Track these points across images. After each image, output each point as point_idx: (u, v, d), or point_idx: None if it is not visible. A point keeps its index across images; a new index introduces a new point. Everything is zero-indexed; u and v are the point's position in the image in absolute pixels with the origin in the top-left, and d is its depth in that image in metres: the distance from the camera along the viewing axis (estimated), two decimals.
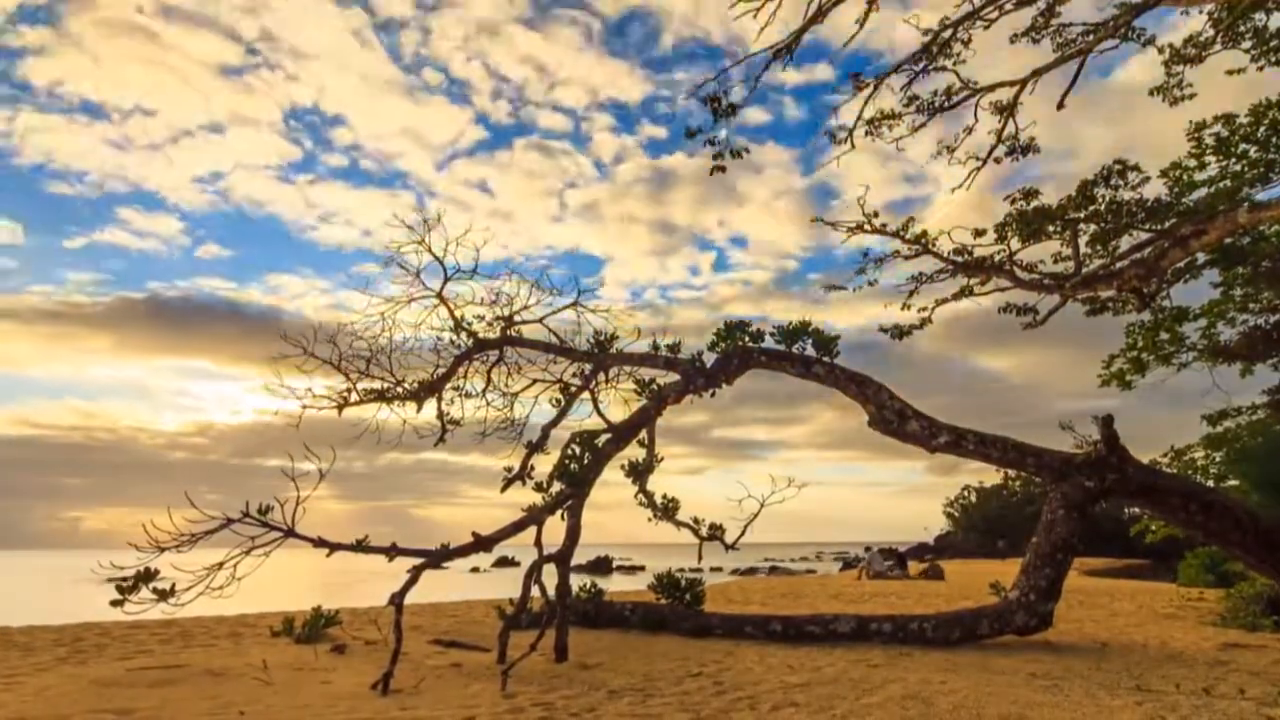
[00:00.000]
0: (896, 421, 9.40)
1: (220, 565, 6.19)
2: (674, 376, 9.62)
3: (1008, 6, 10.45)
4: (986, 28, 10.68)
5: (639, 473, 9.72)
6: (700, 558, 10.13)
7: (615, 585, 25.47)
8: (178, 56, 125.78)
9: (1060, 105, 11.28)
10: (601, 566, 43.28)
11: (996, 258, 11.84)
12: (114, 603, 5.80)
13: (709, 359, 9.67)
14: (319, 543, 6.57)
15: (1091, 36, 10.55)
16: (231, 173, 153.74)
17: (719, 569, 41.65)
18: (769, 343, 9.83)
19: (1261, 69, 10.50)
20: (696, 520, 9.68)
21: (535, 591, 7.68)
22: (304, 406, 8.58)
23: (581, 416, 9.78)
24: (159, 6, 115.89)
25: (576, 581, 9.41)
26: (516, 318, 9.74)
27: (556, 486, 8.78)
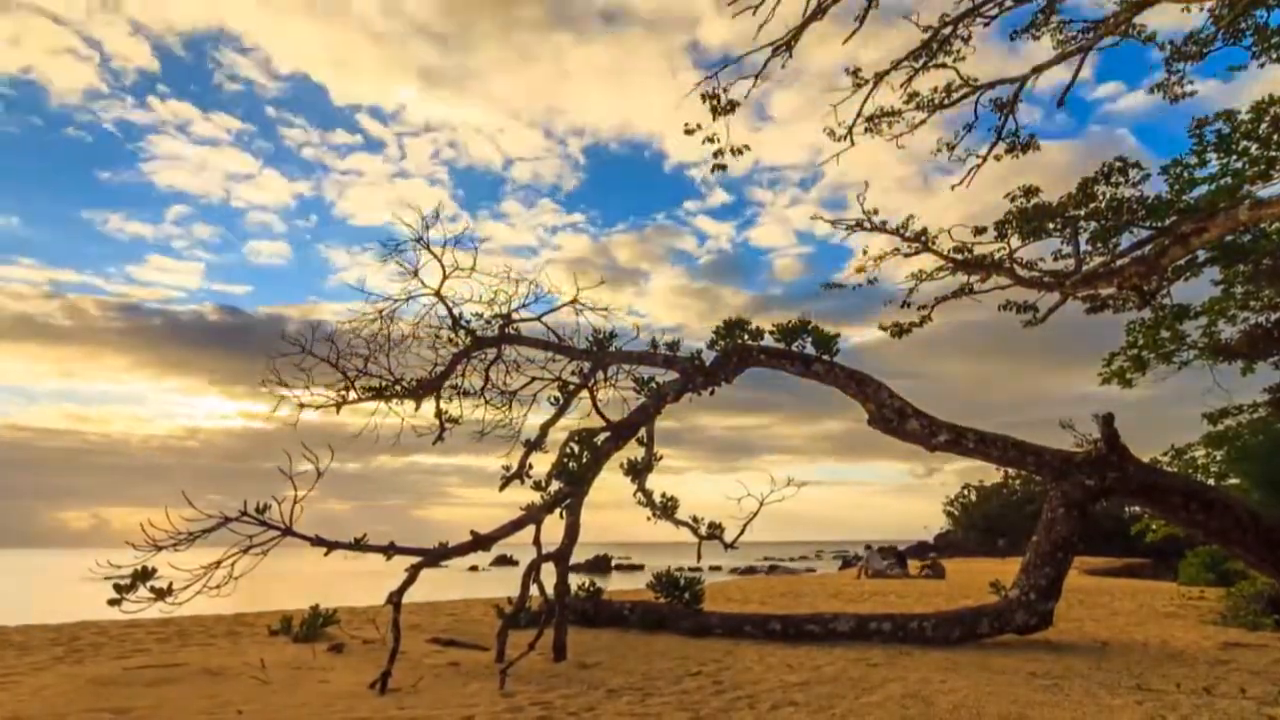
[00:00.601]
0: (896, 420, 9.37)
1: (218, 564, 6.17)
2: (673, 375, 9.58)
3: (1008, 3, 10.42)
4: (986, 24, 10.66)
5: (638, 471, 9.67)
6: (699, 556, 10.09)
7: (614, 584, 25.46)
8: (208, 171, 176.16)
9: (1060, 103, 11.27)
10: (600, 565, 43.19)
11: (996, 255, 11.82)
12: (111, 601, 5.77)
13: (708, 357, 9.64)
14: (317, 541, 6.54)
15: (1092, 34, 10.52)
16: (245, 243, 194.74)
17: (718, 568, 41.61)
18: (768, 341, 9.80)
19: (1263, 65, 10.47)
20: (695, 519, 9.63)
21: (534, 590, 7.66)
22: (301, 405, 8.56)
23: (580, 415, 9.75)
24: (198, 137, 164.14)
25: (575, 580, 9.38)
26: (515, 316, 9.70)
27: (555, 485, 8.75)
